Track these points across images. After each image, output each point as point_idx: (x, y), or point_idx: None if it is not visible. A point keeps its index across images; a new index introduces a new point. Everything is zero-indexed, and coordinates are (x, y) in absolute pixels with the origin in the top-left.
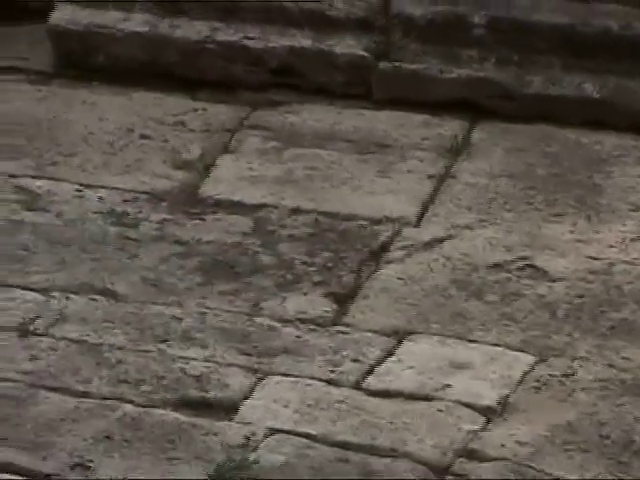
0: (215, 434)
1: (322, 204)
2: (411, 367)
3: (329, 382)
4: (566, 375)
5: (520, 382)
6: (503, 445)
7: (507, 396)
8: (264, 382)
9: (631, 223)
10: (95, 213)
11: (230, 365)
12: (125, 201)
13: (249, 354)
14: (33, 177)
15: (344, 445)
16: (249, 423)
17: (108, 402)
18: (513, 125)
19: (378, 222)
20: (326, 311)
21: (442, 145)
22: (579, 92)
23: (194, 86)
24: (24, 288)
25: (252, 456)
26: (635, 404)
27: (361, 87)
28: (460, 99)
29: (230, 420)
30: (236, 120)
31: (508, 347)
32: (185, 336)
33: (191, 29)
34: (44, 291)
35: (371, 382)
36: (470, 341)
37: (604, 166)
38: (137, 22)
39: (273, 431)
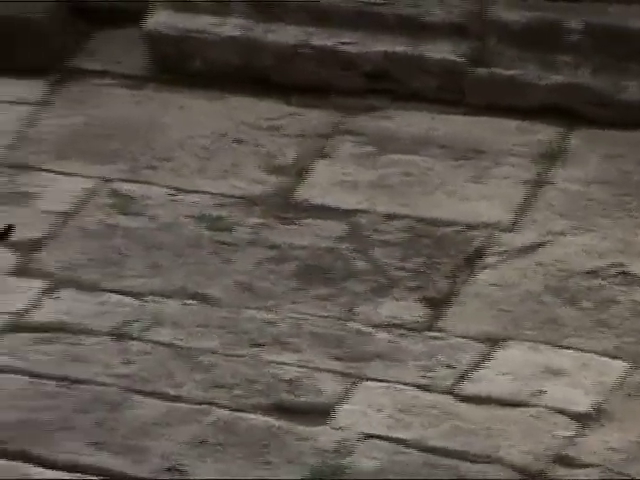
0: (308, 439)
1: (416, 209)
2: (505, 373)
3: (422, 387)
4: None
5: (614, 388)
6: (596, 452)
7: (601, 403)
8: (357, 387)
9: None
10: (189, 217)
11: (323, 370)
12: (219, 205)
13: (342, 359)
14: (128, 181)
15: (436, 450)
16: (342, 428)
17: (201, 406)
18: (609, 132)
19: (472, 228)
20: (420, 316)
21: (537, 151)
22: None
23: (288, 91)
24: (118, 292)
25: (345, 461)
26: None
27: (455, 93)
28: (555, 105)
29: (323, 425)
30: (330, 125)
31: (602, 354)
32: (278, 341)
33: (286, 34)
34: (138, 295)
35: (464, 388)
36: (564, 347)
37: None
38: (232, 26)
39: (366, 436)
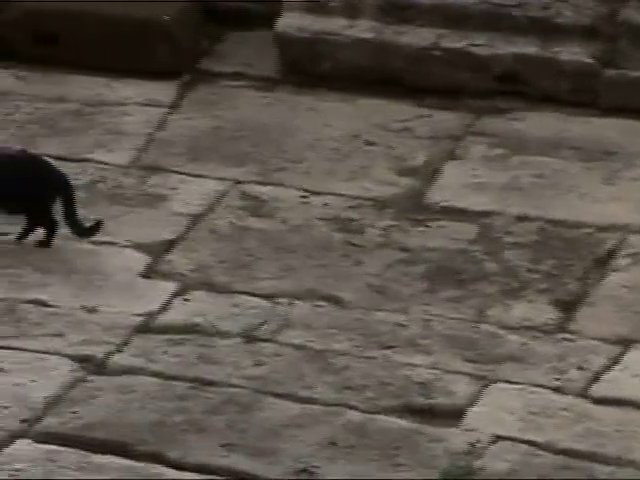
0: (440, 441)
1: (548, 211)
2: (636, 375)
3: (554, 389)
4: None
5: None
6: None
7: None
8: (489, 389)
9: None
10: (320, 219)
11: (455, 372)
12: (350, 207)
13: (474, 361)
14: (259, 183)
15: (568, 452)
16: (474, 430)
17: (332, 408)
18: None
19: (603, 230)
20: (551, 318)
21: None
22: None
23: (419, 92)
24: (250, 294)
25: (477, 463)
26: None
27: (587, 94)
28: None
29: (455, 427)
30: (461, 127)
31: None
32: (410, 343)
33: (417, 36)
34: (270, 297)
35: (596, 390)
36: None
37: None
38: (363, 29)
39: (498, 438)
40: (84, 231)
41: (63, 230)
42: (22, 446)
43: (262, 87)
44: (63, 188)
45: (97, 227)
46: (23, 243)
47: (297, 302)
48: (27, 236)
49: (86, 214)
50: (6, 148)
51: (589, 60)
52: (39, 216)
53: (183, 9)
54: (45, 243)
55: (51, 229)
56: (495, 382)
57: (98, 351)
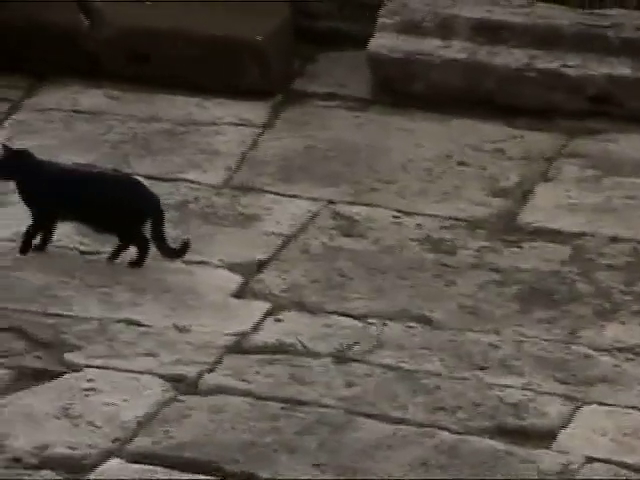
0: (532, 462)
1: None
2: None
3: None
4: None
5: None
6: None
7: None
8: (581, 411)
9: None
10: (412, 240)
11: (547, 393)
12: (442, 228)
13: (566, 382)
14: (351, 203)
15: None
16: (566, 452)
17: (424, 429)
18: None
19: None
20: None
21: None
22: None
23: (512, 113)
24: (342, 314)
25: None
26: None
27: None
28: None
29: (547, 448)
30: (554, 148)
31: None
32: (502, 364)
33: (510, 57)
34: (361, 317)
35: None
36: None
37: None
38: (456, 49)
39: (590, 460)
40: (171, 252)
41: (155, 249)
42: (114, 465)
43: (354, 107)
44: (154, 210)
45: (184, 249)
46: (115, 263)
47: (389, 322)
48: (119, 255)
49: (179, 234)
50: (99, 168)
51: None
52: (130, 236)
53: (276, 29)
54: (137, 263)
55: (143, 249)
56: (587, 403)
57: (190, 371)
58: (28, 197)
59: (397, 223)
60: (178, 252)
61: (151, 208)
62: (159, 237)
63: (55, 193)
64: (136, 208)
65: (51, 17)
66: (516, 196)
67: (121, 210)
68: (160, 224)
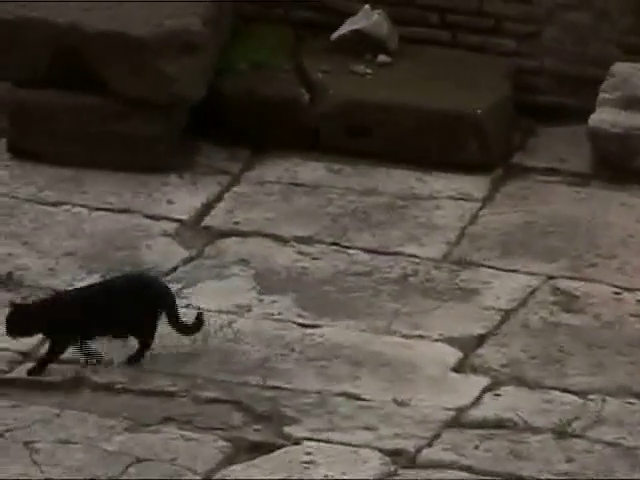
0: None
1: None
2: None
3: None
4: None
5: None
6: None
7: None
8: None
9: None
10: (632, 316)
11: None
12: None
13: None
14: (571, 278)
15: None
16: None
17: None
18: None
19: None
20: None
21: None
22: None
23: None
24: (561, 390)
25: None
26: None
27: None
28: None
29: None
30: None
31: None
32: None
33: None
34: (581, 393)
35: None
36: None
37: None
38: None
39: None
40: (187, 329)
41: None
42: None
43: (575, 182)
44: (168, 305)
45: (199, 323)
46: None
47: (609, 398)
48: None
49: (398, 307)
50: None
51: None
52: (144, 336)
53: (495, 103)
54: (135, 358)
55: (146, 346)
56: None
57: (409, 445)
58: (52, 328)
59: (617, 299)
60: (193, 329)
61: (164, 306)
62: (174, 322)
63: (77, 318)
64: (152, 312)
65: (272, 90)
66: None
67: (139, 316)
68: (174, 314)
